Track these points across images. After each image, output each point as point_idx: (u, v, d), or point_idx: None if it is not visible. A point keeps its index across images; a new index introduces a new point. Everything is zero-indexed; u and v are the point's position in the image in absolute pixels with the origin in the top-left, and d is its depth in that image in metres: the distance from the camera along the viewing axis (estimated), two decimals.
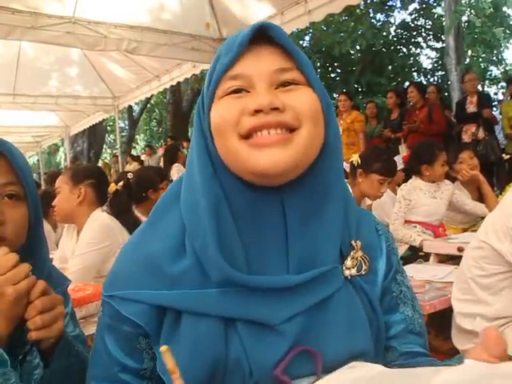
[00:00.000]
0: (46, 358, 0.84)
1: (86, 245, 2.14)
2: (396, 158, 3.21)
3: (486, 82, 15.42)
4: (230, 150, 0.66)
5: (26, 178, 0.90)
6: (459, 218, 3.68)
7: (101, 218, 2.21)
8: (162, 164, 7.16)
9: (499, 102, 7.73)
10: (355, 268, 0.75)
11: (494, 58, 15.05)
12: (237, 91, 0.66)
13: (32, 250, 0.91)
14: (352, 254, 0.76)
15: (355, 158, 2.96)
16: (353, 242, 0.76)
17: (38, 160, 17.94)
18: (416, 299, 0.85)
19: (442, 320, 2.05)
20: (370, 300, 0.76)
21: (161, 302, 0.69)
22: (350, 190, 2.95)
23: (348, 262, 0.75)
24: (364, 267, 0.76)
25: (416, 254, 3.15)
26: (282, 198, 0.69)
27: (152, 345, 0.71)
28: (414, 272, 2.34)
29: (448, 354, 1.94)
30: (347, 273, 0.75)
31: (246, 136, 0.65)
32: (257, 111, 0.64)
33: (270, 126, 0.64)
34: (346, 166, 5.06)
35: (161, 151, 10.05)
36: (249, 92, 0.67)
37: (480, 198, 3.61)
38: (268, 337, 0.68)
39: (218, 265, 0.65)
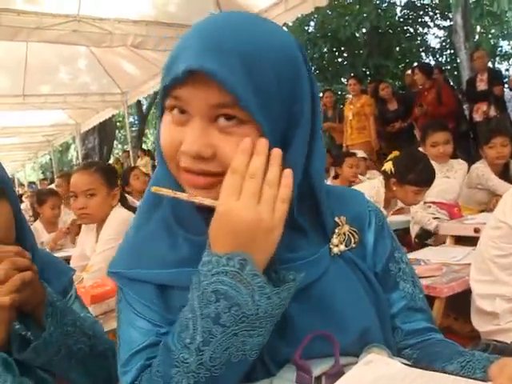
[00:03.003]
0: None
1: (105, 242, 2.16)
2: None
3: (497, 58, 15.14)
4: (171, 171, 0.69)
5: None
6: (478, 197, 3.61)
7: (120, 215, 2.21)
8: None
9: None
10: (343, 244, 0.76)
11: (504, 32, 14.75)
12: (181, 111, 0.65)
13: (22, 245, 0.87)
14: (337, 230, 0.77)
15: (388, 167, 2.78)
16: (336, 219, 0.77)
17: (50, 159, 18.09)
18: (416, 275, 0.85)
19: (460, 302, 2.04)
20: (364, 273, 0.76)
21: (163, 280, 0.71)
22: (382, 191, 2.79)
23: (334, 240, 0.76)
24: (353, 240, 0.77)
25: (430, 233, 3.14)
26: None
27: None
28: (431, 255, 2.33)
29: (468, 337, 1.93)
30: (335, 250, 0.75)
31: None
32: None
33: (193, 173, 0.65)
34: (361, 153, 5.00)
35: None
36: (189, 114, 0.64)
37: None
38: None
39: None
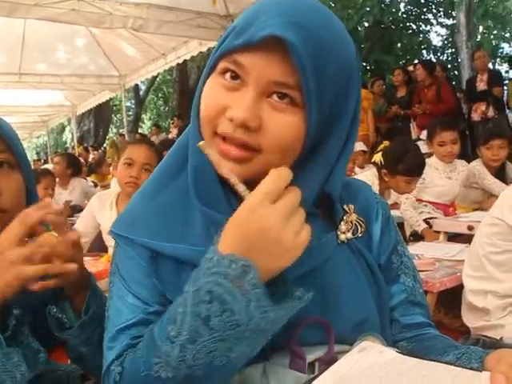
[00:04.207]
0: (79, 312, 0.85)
1: None
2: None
3: (497, 59, 15.15)
4: (205, 136, 0.68)
5: (15, 146, 0.86)
6: (473, 196, 3.60)
7: None
8: None
9: (510, 80, 7.60)
10: (350, 231, 0.76)
11: (507, 35, 14.75)
12: (233, 77, 0.64)
13: None
14: (345, 218, 0.76)
15: (378, 158, 2.78)
16: (345, 207, 0.77)
17: (45, 140, 17.98)
18: (416, 269, 0.85)
19: (451, 298, 2.05)
20: (368, 263, 0.76)
21: (178, 255, 0.69)
22: (376, 183, 2.82)
23: (342, 227, 0.75)
24: (360, 229, 0.77)
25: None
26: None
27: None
28: (424, 250, 2.34)
29: (458, 332, 1.94)
30: (343, 237, 0.75)
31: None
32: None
33: (234, 143, 0.64)
34: (360, 145, 4.95)
35: (174, 131, 10.06)
36: (244, 82, 0.63)
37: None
38: None
39: None
